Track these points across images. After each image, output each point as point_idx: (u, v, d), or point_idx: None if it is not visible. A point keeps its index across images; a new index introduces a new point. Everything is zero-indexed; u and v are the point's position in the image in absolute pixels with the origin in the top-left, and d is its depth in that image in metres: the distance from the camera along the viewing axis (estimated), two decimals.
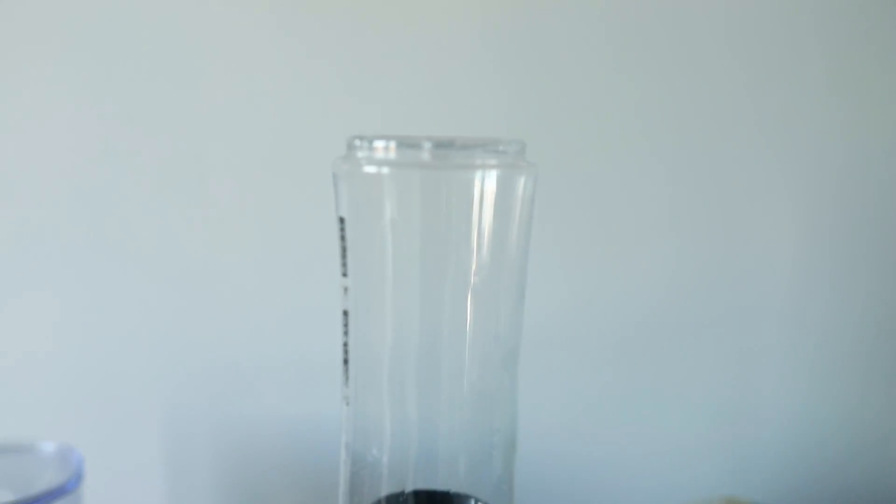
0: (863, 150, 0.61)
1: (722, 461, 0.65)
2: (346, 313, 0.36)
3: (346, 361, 0.37)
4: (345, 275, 0.35)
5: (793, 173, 0.62)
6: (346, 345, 0.36)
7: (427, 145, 0.32)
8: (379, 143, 0.33)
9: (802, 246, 0.64)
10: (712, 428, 0.65)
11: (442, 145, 0.32)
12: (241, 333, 0.64)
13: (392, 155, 0.33)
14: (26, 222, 0.61)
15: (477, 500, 0.38)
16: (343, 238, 0.35)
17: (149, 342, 0.63)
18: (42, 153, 0.60)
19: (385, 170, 0.32)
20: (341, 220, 0.35)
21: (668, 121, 0.60)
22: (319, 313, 0.61)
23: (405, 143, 0.32)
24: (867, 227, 0.63)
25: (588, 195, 0.62)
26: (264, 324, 0.64)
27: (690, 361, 0.65)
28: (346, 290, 0.36)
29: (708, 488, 0.60)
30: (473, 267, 0.33)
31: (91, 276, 0.62)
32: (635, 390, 0.65)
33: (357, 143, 0.33)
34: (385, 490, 0.36)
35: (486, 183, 0.32)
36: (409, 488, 0.36)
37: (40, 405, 0.64)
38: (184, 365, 0.64)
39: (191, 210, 0.61)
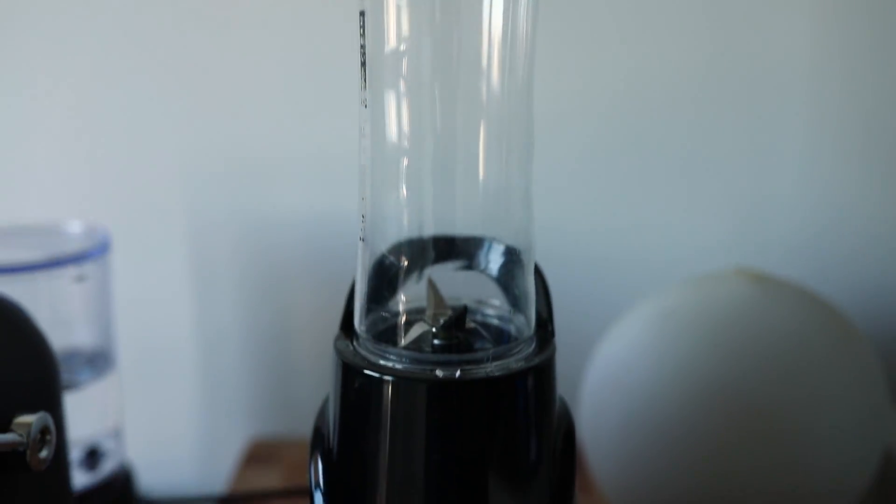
0: None
1: (739, 241, 0.68)
2: (364, 103, 0.39)
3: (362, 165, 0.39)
4: (363, 63, 0.38)
5: None
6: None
7: None
8: None
9: (821, 32, 0.65)
10: (729, 213, 0.68)
11: None
12: (262, 129, 0.69)
13: None
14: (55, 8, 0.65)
15: (492, 240, 0.40)
16: (362, 34, 0.38)
17: (174, 137, 0.69)
18: None
19: None
20: (361, 14, 0.38)
21: None
22: (339, 110, 0.65)
23: None
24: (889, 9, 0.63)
25: None
26: (285, 120, 0.68)
27: (707, 150, 0.67)
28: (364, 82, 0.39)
29: (723, 263, 0.61)
30: (485, 61, 0.38)
31: (119, 66, 0.67)
32: (651, 179, 0.68)
33: None
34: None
35: None
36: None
37: (68, 189, 0.69)
38: (207, 160, 0.69)
39: (214, 9, 0.65)
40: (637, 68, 0.66)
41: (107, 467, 0.58)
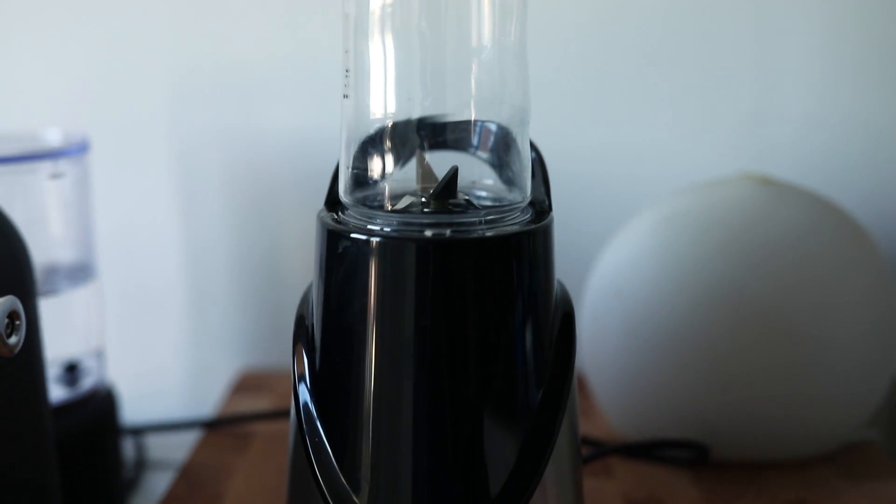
0: None
1: (746, 149, 0.67)
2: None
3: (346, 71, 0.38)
4: None
5: None
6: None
7: None
8: None
9: None
10: (736, 122, 0.67)
11: None
12: (250, 39, 0.68)
13: None
14: None
15: (483, 122, 0.38)
16: None
17: (160, 48, 0.68)
18: None
19: None
20: None
21: None
22: (326, 27, 0.63)
23: None
24: None
25: None
26: (273, 31, 0.68)
27: (714, 58, 0.67)
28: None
29: (730, 170, 0.60)
30: None
31: None
32: (657, 87, 0.67)
33: None
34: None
35: None
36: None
37: (50, 99, 0.68)
38: (194, 73, 0.68)
39: None
40: None
41: (86, 384, 0.55)
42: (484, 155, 0.40)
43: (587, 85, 0.67)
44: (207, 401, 0.69)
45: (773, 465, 0.53)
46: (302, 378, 0.38)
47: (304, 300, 0.40)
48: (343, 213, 0.38)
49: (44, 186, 0.48)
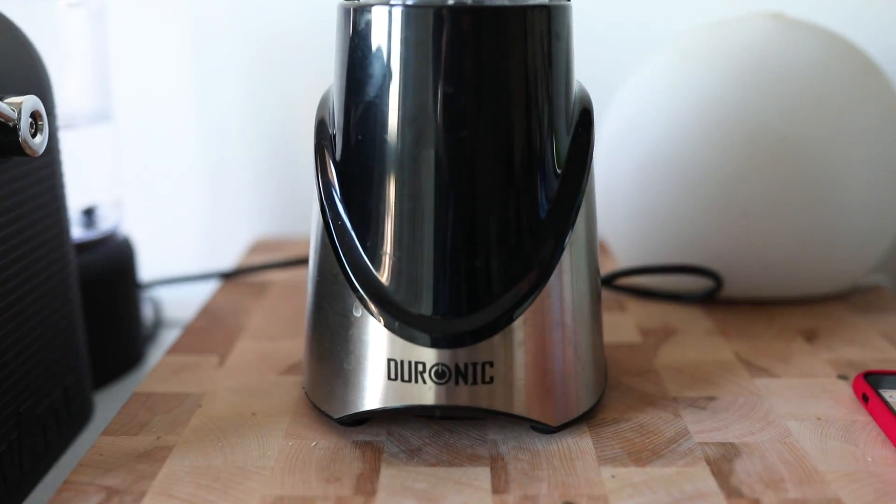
0: None
1: None
2: None
3: None
4: None
5: None
6: None
7: None
8: None
9: None
10: None
11: None
12: None
13: None
14: None
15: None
16: None
17: None
18: None
19: None
20: None
21: None
22: None
23: None
24: None
25: None
26: None
27: None
28: None
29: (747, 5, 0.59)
30: None
31: None
32: None
33: None
34: None
35: None
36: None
37: None
38: None
39: None
40: None
41: (104, 227, 0.56)
42: None
43: None
44: (223, 260, 0.70)
45: (785, 302, 0.54)
46: (325, 170, 0.39)
47: (323, 103, 0.41)
48: None
49: (62, 13, 0.48)
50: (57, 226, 0.44)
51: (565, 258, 0.38)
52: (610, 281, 0.53)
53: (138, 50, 0.67)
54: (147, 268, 0.66)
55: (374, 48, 0.36)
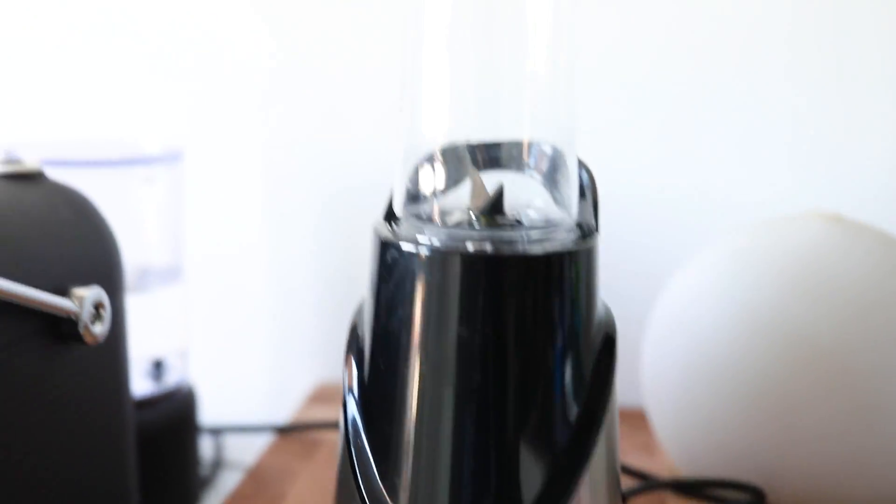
0: None
1: (819, 180, 0.66)
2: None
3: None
4: None
5: None
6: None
7: None
8: None
9: None
10: (808, 158, 0.66)
11: None
12: (333, 61, 0.71)
13: None
14: None
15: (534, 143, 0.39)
16: None
17: (253, 65, 0.72)
18: None
19: None
20: None
21: None
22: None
23: None
24: None
25: None
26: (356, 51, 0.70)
27: (785, 93, 0.66)
28: None
29: (802, 204, 0.59)
30: None
31: None
32: (726, 119, 0.66)
33: None
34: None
35: None
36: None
37: (153, 112, 0.73)
38: (288, 94, 0.72)
39: None
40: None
41: (170, 380, 0.59)
42: (536, 175, 0.41)
43: (657, 117, 0.68)
44: (284, 406, 0.72)
45: None
46: (350, 387, 0.40)
47: (359, 311, 0.43)
48: (397, 225, 0.40)
49: (138, 191, 0.53)
50: (118, 406, 0.47)
51: (584, 494, 0.38)
52: (643, 489, 0.52)
53: (212, 209, 0.72)
54: (209, 409, 0.69)
55: (398, 284, 0.38)
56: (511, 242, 0.37)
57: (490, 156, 0.41)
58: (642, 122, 0.67)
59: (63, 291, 0.42)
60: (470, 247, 0.36)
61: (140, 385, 0.56)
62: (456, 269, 0.36)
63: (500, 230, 0.38)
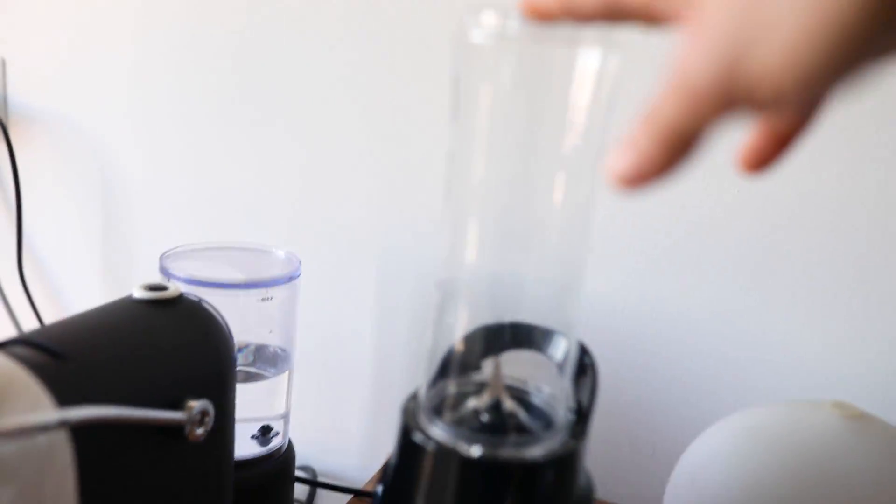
0: None
1: (844, 377, 0.66)
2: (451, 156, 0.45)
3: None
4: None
5: None
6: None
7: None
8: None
9: None
10: (838, 349, 0.66)
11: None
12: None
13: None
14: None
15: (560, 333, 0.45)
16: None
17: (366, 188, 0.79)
18: None
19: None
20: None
21: None
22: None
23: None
24: None
25: None
26: None
27: (814, 281, 0.66)
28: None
29: (821, 393, 0.61)
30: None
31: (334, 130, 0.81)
32: (752, 307, 0.67)
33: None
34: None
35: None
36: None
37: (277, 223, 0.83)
38: (398, 209, 0.80)
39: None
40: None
41: (275, 443, 0.71)
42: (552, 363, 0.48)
43: (684, 291, 0.70)
44: (374, 468, 0.83)
45: None
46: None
47: (385, 469, 0.50)
48: (419, 407, 0.47)
49: (256, 306, 0.65)
50: (216, 488, 0.56)
51: None
52: None
53: (323, 298, 0.83)
54: (311, 458, 0.81)
55: (402, 462, 0.46)
56: (499, 446, 0.43)
57: (517, 336, 0.48)
58: (672, 297, 0.70)
59: (178, 403, 0.51)
60: (462, 448, 0.43)
61: (250, 448, 0.69)
62: (455, 471, 0.43)
63: (495, 434, 0.45)
